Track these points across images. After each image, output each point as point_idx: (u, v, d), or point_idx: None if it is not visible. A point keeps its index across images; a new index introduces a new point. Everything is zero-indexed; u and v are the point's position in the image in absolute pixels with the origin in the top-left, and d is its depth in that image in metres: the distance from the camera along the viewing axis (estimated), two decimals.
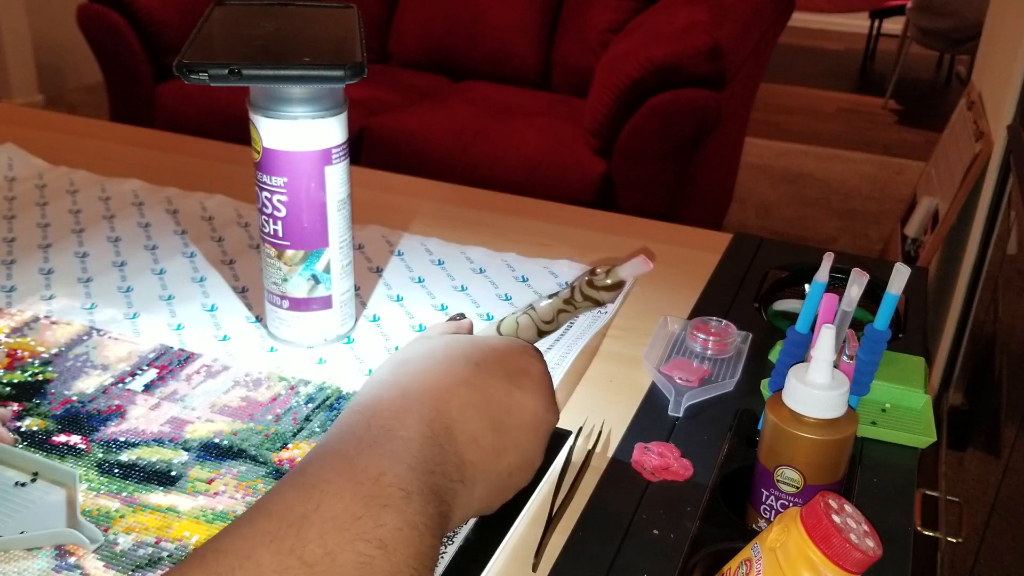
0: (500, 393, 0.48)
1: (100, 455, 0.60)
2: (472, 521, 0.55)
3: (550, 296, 0.55)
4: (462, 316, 0.59)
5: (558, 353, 0.73)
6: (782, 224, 3.28)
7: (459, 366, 0.48)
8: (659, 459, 0.61)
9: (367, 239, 0.92)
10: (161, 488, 0.58)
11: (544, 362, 0.54)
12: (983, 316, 1.78)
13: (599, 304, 0.55)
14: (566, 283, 0.85)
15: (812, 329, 0.61)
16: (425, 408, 0.43)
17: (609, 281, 0.53)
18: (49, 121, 1.28)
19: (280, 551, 0.34)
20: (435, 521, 0.40)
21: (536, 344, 0.58)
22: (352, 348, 0.74)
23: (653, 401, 0.69)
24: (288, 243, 0.69)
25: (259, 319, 0.77)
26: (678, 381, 0.69)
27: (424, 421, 0.43)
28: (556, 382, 0.69)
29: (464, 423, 0.45)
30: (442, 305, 0.81)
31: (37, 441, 0.61)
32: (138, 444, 0.61)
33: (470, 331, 0.58)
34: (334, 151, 0.68)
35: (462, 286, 0.84)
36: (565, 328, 0.77)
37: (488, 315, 0.79)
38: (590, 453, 0.63)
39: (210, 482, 0.58)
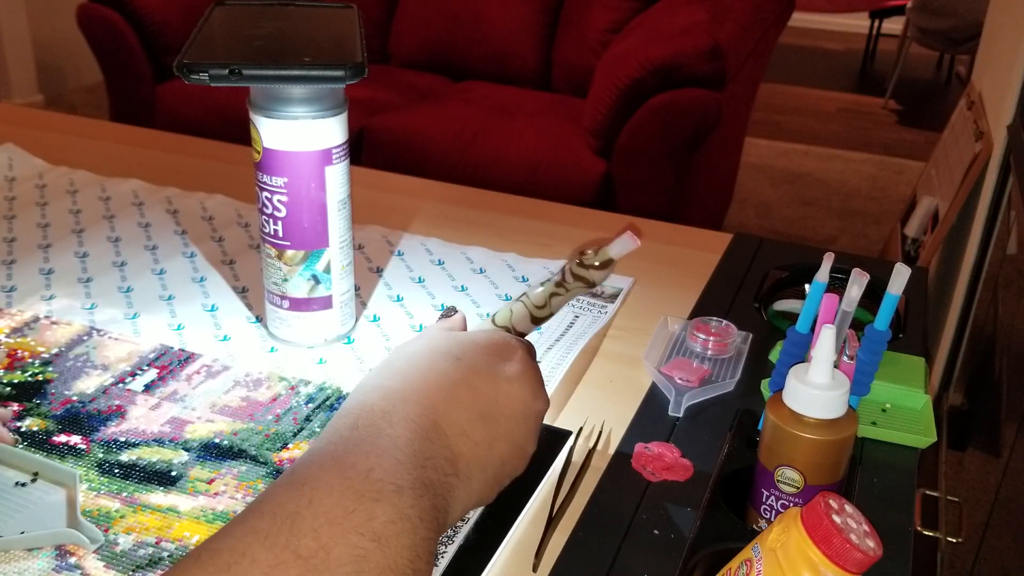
0: (485, 385, 0.48)
1: (100, 455, 0.60)
2: (472, 520, 0.55)
3: (542, 283, 0.55)
4: (454, 310, 0.59)
5: (558, 353, 0.73)
6: (782, 224, 3.28)
7: (441, 362, 0.48)
8: (659, 459, 0.61)
9: (367, 239, 0.92)
10: (161, 488, 0.58)
11: (529, 350, 0.54)
12: (983, 316, 1.78)
13: (591, 285, 0.54)
14: None
15: (812, 329, 0.61)
16: (409, 406, 0.44)
17: (598, 261, 0.53)
18: (49, 121, 1.28)
19: (274, 547, 0.34)
20: (429, 514, 0.40)
21: (532, 334, 0.58)
22: (352, 348, 0.74)
23: (653, 401, 0.69)
24: (288, 243, 0.69)
25: (259, 319, 0.77)
26: (678, 381, 0.69)
27: (410, 418, 0.43)
28: (556, 382, 0.70)
29: (451, 417, 0.45)
30: (442, 305, 0.81)
31: (37, 441, 0.61)
32: (138, 444, 0.61)
33: (463, 325, 0.58)
34: (334, 151, 0.68)
35: (462, 286, 0.84)
36: (565, 328, 0.77)
37: (488, 315, 0.79)
38: (590, 453, 0.63)
39: (210, 482, 0.58)
